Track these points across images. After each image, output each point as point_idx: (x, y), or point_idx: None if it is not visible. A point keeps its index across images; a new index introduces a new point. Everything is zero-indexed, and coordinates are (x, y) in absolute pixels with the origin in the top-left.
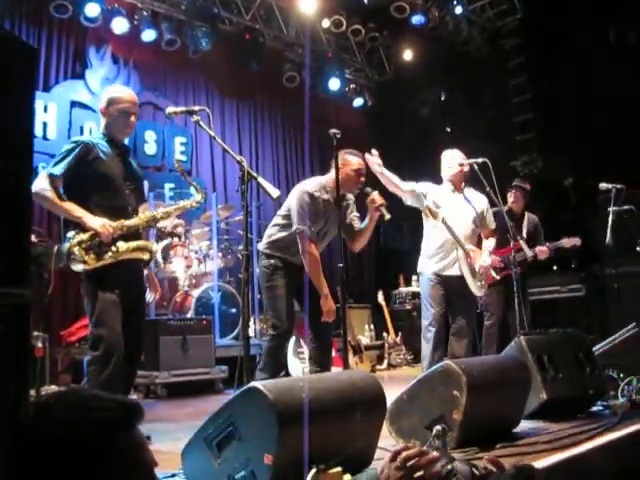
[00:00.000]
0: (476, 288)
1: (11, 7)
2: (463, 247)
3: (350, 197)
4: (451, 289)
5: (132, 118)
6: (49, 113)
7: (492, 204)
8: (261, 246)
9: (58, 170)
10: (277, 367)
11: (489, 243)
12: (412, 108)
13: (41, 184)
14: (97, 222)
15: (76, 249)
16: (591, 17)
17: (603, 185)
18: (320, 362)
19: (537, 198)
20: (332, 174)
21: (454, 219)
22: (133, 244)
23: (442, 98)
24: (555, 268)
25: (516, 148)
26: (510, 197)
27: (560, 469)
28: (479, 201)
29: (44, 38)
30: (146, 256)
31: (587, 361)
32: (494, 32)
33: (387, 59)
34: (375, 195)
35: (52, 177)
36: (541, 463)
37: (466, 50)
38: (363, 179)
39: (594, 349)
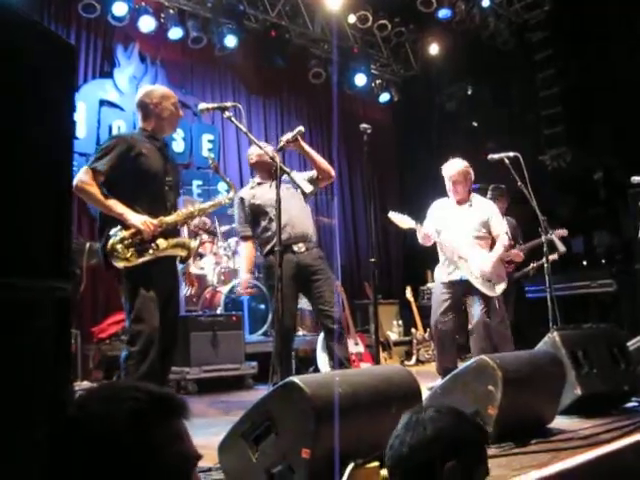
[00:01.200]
0: (487, 289)
1: (40, 7)
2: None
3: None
4: (462, 294)
5: (180, 112)
6: (78, 112)
7: (523, 199)
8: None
9: (101, 165)
10: None
11: (495, 247)
12: (438, 103)
13: (83, 178)
14: (138, 219)
15: (119, 246)
16: (620, 8)
17: (635, 178)
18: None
19: (566, 192)
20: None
21: (455, 231)
22: (172, 241)
23: (468, 92)
24: (585, 263)
25: (544, 142)
26: (498, 200)
27: (596, 466)
28: (483, 208)
29: (72, 37)
30: (184, 253)
31: (621, 356)
32: (521, 25)
33: (413, 54)
34: (284, 137)
35: (95, 172)
36: (577, 459)
37: (493, 44)
38: (270, 147)
39: (628, 344)
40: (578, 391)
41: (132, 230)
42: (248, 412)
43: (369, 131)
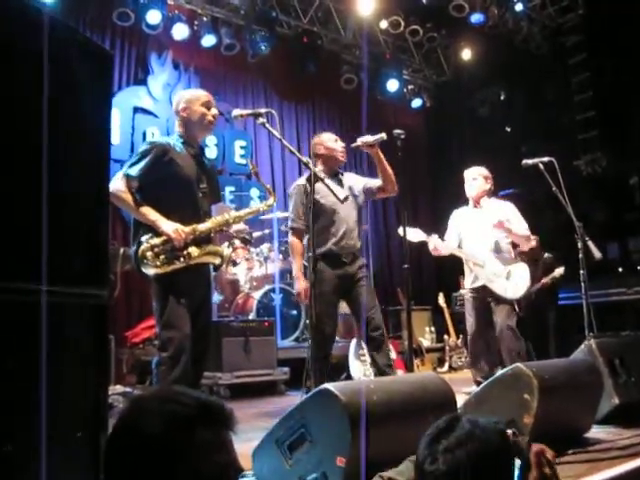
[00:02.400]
0: (503, 291)
1: (76, 15)
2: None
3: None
4: (487, 299)
5: (214, 110)
6: (112, 119)
7: (558, 205)
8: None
9: (135, 171)
10: None
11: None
12: (471, 108)
13: (117, 185)
14: (170, 227)
15: (148, 253)
16: None
17: None
18: (375, 363)
19: (602, 198)
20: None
21: (474, 236)
22: (205, 249)
23: (501, 97)
24: (620, 270)
25: (579, 147)
26: None
27: (635, 477)
28: (501, 211)
29: (107, 45)
30: (217, 261)
31: None
32: (555, 29)
33: (445, 59)
34: (360, 140)
35: (129, 178)
36: (616, 470)
37: (526, 48)
38: (341, 144)
39: None
40: (615, 400)
41: (163, 238)
42: (282, 419)
43: (402, 137)
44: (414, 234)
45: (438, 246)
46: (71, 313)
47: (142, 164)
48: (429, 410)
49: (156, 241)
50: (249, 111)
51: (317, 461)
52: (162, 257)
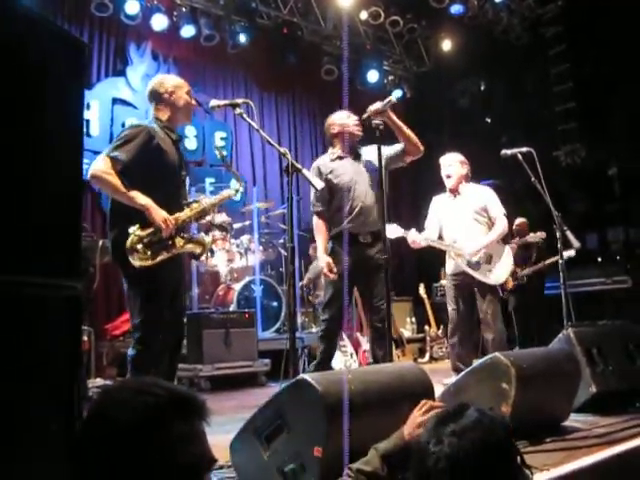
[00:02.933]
0: (485, 277)
1: (53, 6)
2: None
3: (365, 151)
4: (469, 285)
5: (194, 101)
6: (91, 110)
7: (537, 195)
8: None
9: (122, 154)
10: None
11: (493, 230)
12: (451, 99)
13: (102, 167)
14: (160, 216)
15: (139, 246)
16: (634, 1)
17: None
18: (375, 354)
19: (581, 189)
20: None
21: (454, 222)
22: (188, 238)
23: (482, 88)
24: (600, 260)
25: (558, 138)
26: None
27: (611, 464)
28: (479, 195)
29: (86, 36)
30: (199, 250)
31: (637, 353)
32: (534, 20)
33: (426, 50)
34: (372, 107)
35: (115, 160)
36: (592, 458)
37: (506, 39)
38: (354, 117)
39: None
40: (593, 389)
41: (151, 229)
42: (260, 410)
43: (381, 127)
44: (392, 230)
45: (416, 239)
46: (44, 304)
47: (130, 146)
48: (406, 399)
49: (144, 232)
50: (226, 102)
51: (295, 452)
52: (151, 249)
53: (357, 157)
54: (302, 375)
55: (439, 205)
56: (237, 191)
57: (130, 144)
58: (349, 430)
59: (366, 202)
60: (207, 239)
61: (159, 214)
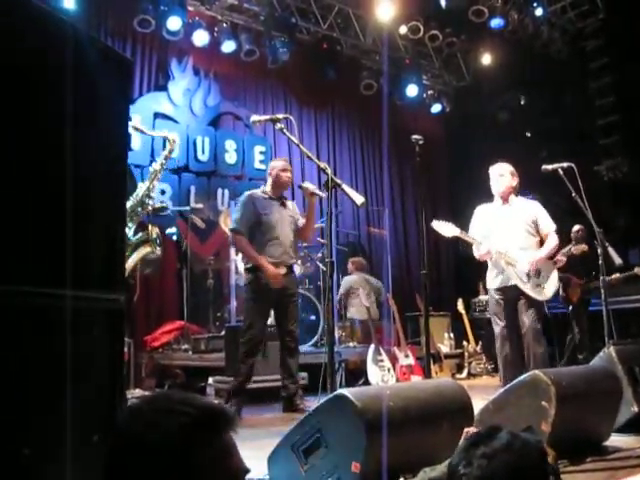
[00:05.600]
0: (537, 294)
1: (97, 23)
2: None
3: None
4: (514, 300)
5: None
6: (133, 124)
7: (578, 210)
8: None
9: None
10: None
11: (546, 244)
12: (491, 113)
13: None
14: None
15: None
16: None
17: None
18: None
19: (623, 204)
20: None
21: (504, 232)
22: None
23: (522, 102)
24: None
25: (599, 152)
26: None
27: None
28: (530, 209)
29: (128, 52)
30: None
31: None
32: (575, 34)
33: (465, 64)
34: (306, 184)
35: None
36: (635, 478)
37: (546, 53)
38: (289, 174)
39: None
40: (635, 408)
41: None
42: (298, 424)
43: (421, 142)
44: (446, 228)
45: (483, 249)
46: (90, 317)
47: None
48: (445, 416)
49: None
50: (267, 117)
51: (332, 466)
52: None
53: (282, 203)
54: (341, 390)
55: (487, 214)
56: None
57: None
58: (387, 446)
59: (286, 241)
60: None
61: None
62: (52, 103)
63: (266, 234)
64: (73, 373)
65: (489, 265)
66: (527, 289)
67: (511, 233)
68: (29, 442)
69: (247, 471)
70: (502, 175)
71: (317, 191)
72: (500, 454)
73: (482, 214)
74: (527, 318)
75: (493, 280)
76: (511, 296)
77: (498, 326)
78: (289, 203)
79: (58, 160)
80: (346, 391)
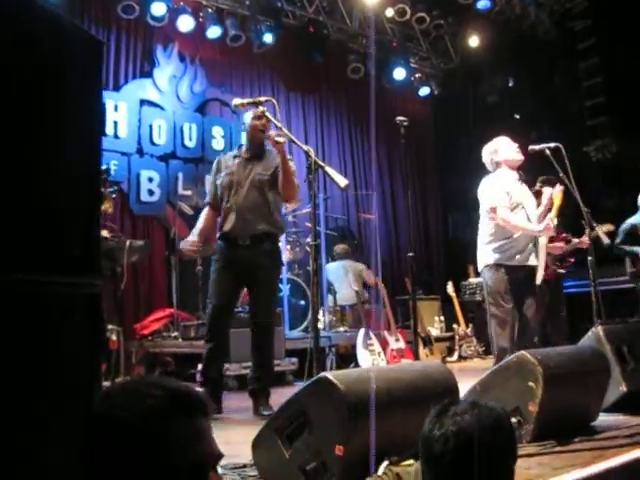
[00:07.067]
0: (540, 277)
1: (80, 9)
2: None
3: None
4: (518, 280)
5: None
6: (119, 112)
7: (567, 191)
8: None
9: None
10: None
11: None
12: (479, 95)
13: None
14: None
15: None
16: None
17: None
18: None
19: (612, 184)
20: None
21: (528, 206)
22: None
23: (510, 84)
24: None
25: (588, 133)
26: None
27: None
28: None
29: (113, 39)
30: None
31: None
32: (563, 14)
33: (453, 46)
34: (274, 134)
35: None
36: (622, 458)
37: (534, 34)
38: (264, 121)
39: None
40: (623, 388)
41: None
42: (281, 408)
43: (405, 124)
44: None
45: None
46: (63, 302)
47: None
48: (430, 398)
49: None
50: (250, 100)
51: (316, 450)
52: None
53: (255, 160)
54: (323, 373)
55: (510, 183)
56: None
57: None
58: (371, 429)
59: (243, 208)
60: None
61: None
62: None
63: (223, 201)
64: (52, 362)
65: (497, 239)
66: (540, 271)
67: (533, 208)
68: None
69: (219, 456)
70: (517, 146)
71: (279, 138)
72: (470, 411)
73: (506, 183)
74: (529, 301)
75: (508, 258)
76: (522, 277)
77: (502, 307)
78: (268, 157)
79: (22, 145)
80: (329, 374)
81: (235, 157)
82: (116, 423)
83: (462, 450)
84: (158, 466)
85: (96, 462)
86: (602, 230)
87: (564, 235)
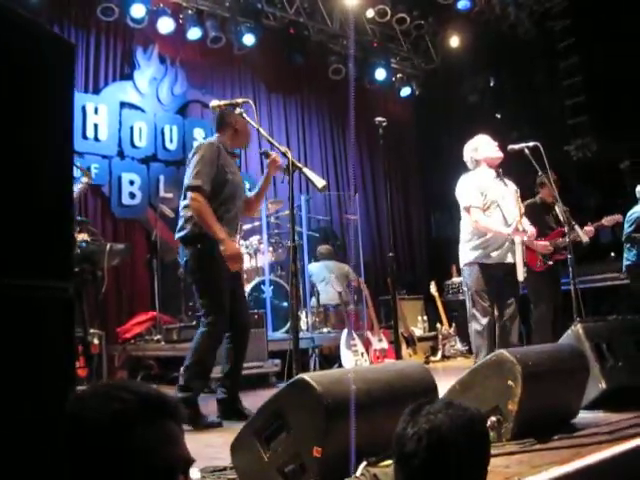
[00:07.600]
0: (521, 274)
1: (59, 12)
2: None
3: None
4: (497, 278)
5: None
6: (100, 115)
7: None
8: None
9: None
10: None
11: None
12: (460, 95)
13: None
14: None
15: None
16: None
17: None
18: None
19: (593, 183)
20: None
21: (505, 204)
22: None
23: (491, 84)
24: (613, 254)
25: (568, 132)
26: (542, 189)
27: (621, 462)
28: (511, 185)
29: (92, 41)
30: None
31: None
32: (543, 14)
33: (433, 47)
34: (275, 154)
35: None
36: (601, 455)
37: (514, 34)
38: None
39: None
40: (602, 385)
41: None
42: (259, 410)
43: (384, 124)
44: None
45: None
46: (34, 306)
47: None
48: (409, 398)
49: None
50: (227, 101)
51: (295, 452)
52: None
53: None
54: (301, 375)
55: (487, 182)
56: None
57: None
58: (349, 430)
59: (239, 212)
60: None
61: None
62: None
63: (228, 200)
64: (24, 365)
65: (475, 238)
66: (519, 269)
67: (512, 208)
68: None
69: (190, 461)
70: (496, 144)
71: (276, 156)
72: (444, 410)
73: (480, 181)
74: (509, 299)
75: (485, 256)
76: (499, 274)
77: (481, 305)
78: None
79: None
80: (306, 375)
81: (230, 153)
82: (87, 424)
83: (434, 448)
84: (127, 467)
85: (71, 461)
86: (609, 222)
87: (560, 229)
